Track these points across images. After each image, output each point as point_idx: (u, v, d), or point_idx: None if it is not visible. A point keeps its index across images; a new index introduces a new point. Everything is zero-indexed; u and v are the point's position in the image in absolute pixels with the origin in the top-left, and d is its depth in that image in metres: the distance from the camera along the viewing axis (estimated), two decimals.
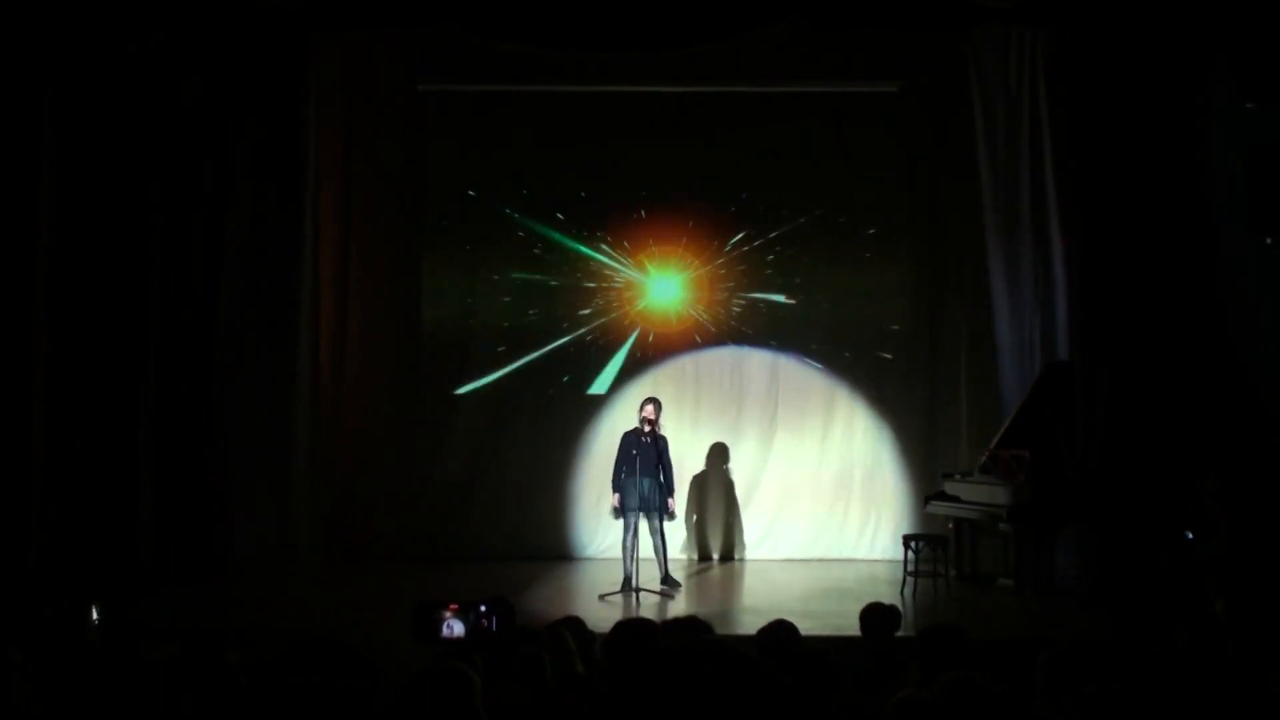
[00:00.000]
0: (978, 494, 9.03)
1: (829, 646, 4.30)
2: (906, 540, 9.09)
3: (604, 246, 10.96)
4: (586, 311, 10.94)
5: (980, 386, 10.44)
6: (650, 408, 8.95)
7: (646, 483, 8.76)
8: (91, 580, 7.56)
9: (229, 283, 9.65)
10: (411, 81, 10.76)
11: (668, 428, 9.37)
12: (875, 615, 5.07)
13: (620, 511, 8.92)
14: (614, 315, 10.95)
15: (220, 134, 9.58)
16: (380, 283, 10.95)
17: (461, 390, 10.89)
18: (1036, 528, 8.65)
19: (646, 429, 8.84)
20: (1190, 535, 7.26)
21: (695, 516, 10.67)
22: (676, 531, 10.23)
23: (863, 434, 10.85)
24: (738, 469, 10.79)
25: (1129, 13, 8.51)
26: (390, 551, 10.22)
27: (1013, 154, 9.96)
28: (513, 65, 10.14)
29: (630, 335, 10.93)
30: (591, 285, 10.97)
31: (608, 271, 10.97)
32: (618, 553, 8.84)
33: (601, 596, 8.55)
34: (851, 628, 5.31)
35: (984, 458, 9.18)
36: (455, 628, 4.22)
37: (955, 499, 9.30)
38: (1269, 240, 7.50)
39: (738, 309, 10.95)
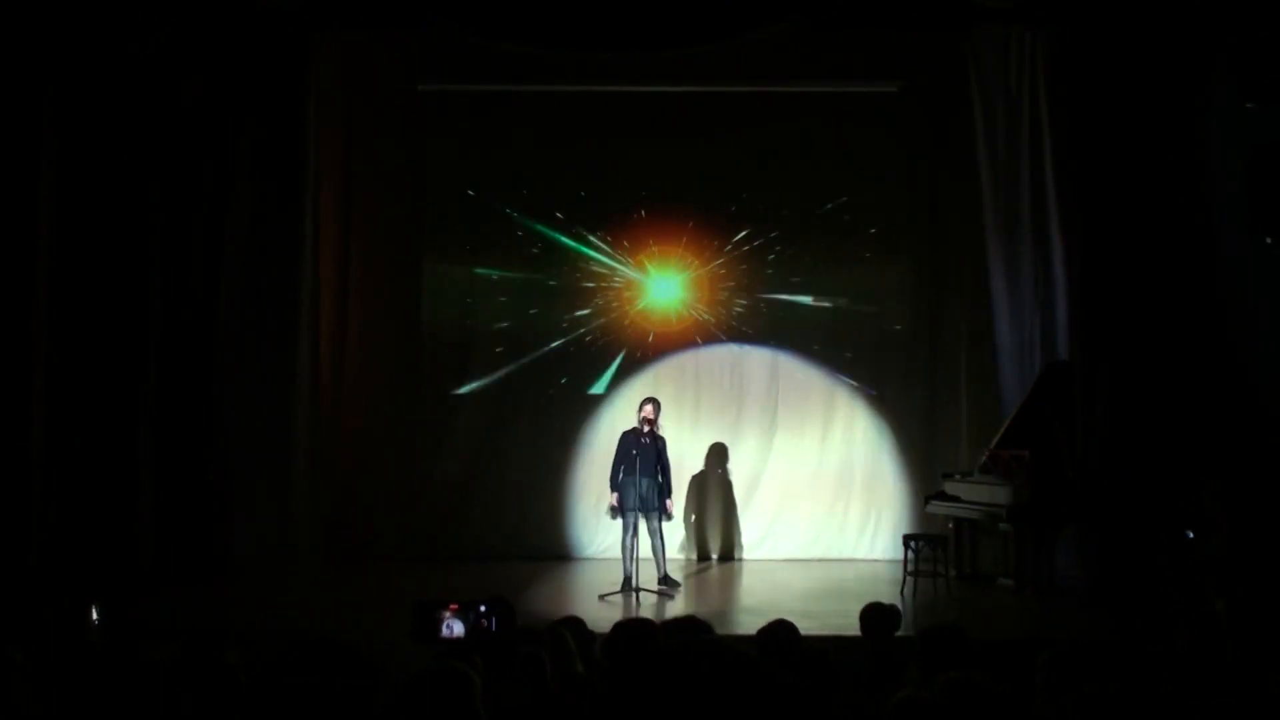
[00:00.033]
0: (978, 494, 9.03)
1: (829, 646, 4.31)
2: (906, 540, 9.09)
3: (604, 246, 10.96)
4: (586, 311, 10.94)
5: (980, 386, 10.43)
6: (649, 408, 8.94)
7: (645, 483, 8.76)
8: (91, 580, 7.56)
9: (229, 283, 9.65)
10: (411, 81, 10.76)
11: (667, 428, 9.37)
12: (875, 615, 5.07)
13: (618, 511, 8.92)
14: (614, 315, 10.95)
15: (220, 134, 9.58)
16: (380, 283, 10.95)
17: (461, 390, 10.89)
18: (1036, 528, 8.65)
19: (646, 429, 8.84)
20: (1190, 535, 7.26)
21: (695, 516, 10.67)
22: (676, 531, 10.24)
23: (863, 434, 10.85)
24: (737, 469, 10.79)
25: (1129, 13, 8.51)
26: (390, 551, 10.22)
27: (1013, 154, 9.96)
28: (513, 65, 10.14)
29: (630, 335, 10.93)
30: (591, 285, 10.97)
31: (608, 271, 10.98)
32: (617, 553, 8.84)
33: (601, 596, 8.55)
34: (851, 628, 5.31)
35: (984, 458, 9.18)
36: (455, 628, 4.22)
37: (955, 499, 9.30)
38: (1269, 240, 7.49)
39: (738, 309, 10.95)
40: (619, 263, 10.97)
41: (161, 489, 9.17)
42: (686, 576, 9.68)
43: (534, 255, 10.98)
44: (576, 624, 4.87)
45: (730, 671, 1.58)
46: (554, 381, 10.90)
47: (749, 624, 6.92)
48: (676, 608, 8.37)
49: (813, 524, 10.70)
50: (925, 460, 10.58)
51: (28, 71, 8.50)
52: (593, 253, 10.97)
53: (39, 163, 8.61)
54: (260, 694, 2.95)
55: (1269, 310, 7.94)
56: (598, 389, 10.89)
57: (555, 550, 10.55)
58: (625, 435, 9.01)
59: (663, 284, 10.97)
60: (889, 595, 7.60)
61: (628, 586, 8.55)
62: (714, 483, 10.73)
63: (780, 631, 4.40)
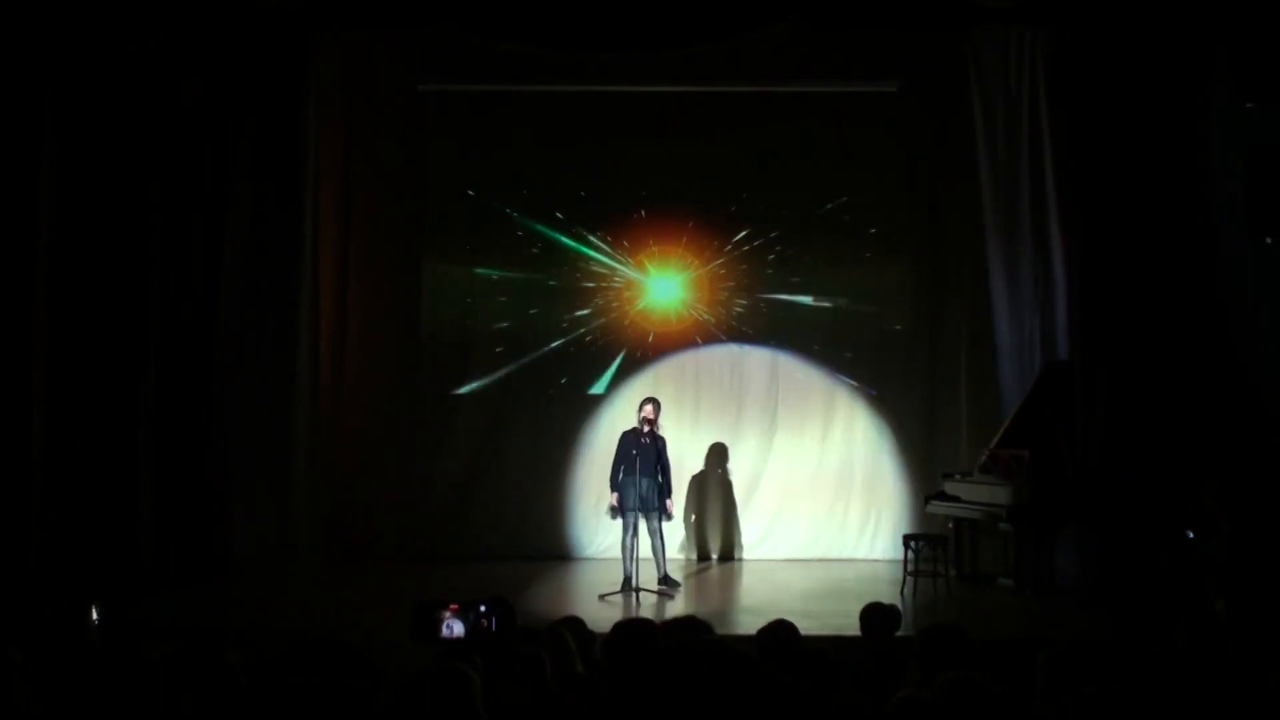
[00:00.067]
0: (978, 494, 9.03)
1: (829, 646, 4.31)
2: (906, 540, 9.09)
3: (604, 246, 10.96)
4: (586, 311, 10.94)
5: (980, 386, 10.43)
6: (649, 408, 8.94)
7: (645, 483, 8.76)
8: (91, 580, 7.55)
9: (229, 283, 9.65)
10: (411, 81, 10.76)
11: (667, 428, 9.37)
12: (875, 615, 5.07)
13: (618, 511, 8.92)
14: (614, 315, 10.95)
15: (220, 134, 9.58)
16: (380, 283, 10.95)
17: (461, 390, 10.89)
18: (1036, 528, 8.65)
19: (646, 429, 8.84)
20: (1190, 535, 7.26)
21: (695, 516, 10.67)
22: (676, 531, 10.24)
23: (863, 434, 10.85)
24: (737, 469, 10.79)
25: (1129, 13, 8.52)
26: (390, 551, 10.22)
27: (1013, 154, 9.96)
28: (513, 65, 10.14)
29: (630, 335, 10.93)
30: (591, 285, 10.97)
31: (607, 271, 10.97)
32: (617, 553, 8.83)
33: (601, 596, 8.55)
34: (851, 628, 5.31)
35: (984, 458, 9.18)
36: (455, 628, 4.21)
37: (955, 499, 9.30)
38: (1269, 240, 7.49)
39: (738, 309, 10.95)
40: (619, 263, 10.97)
41: (161, 489, 9.17)
42: (686, 576, 9.68)
43: (534, 255, 10.98)
44: (576, 624, 4.87)
45: (730, 671, 1.58)
46: (554, 381, 10.90)
47: (749, 624, 6.93)
48: (676, 608, 8.37)
49: (813, 524, 10.70)
50: (925, 460, 10.58)
51: (28, 71, 8.51)
52: (593, 253, 10.97)
53: (39, 163, 8.61)
54: (260, 694, 2.96)
55: (1269, 310, 7.94)
56: (598, 389, 10.89)
57: (555, 550, 10.54)
58: (625, 435, 9.01)
59: (663, 284, 10.97)
60: (889, 595, 7.60)
61: (628, 586, 8.55)
62: (714, 483, 10.73)
63: (780, 631, 4.40)
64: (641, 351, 10.91)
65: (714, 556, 10.66)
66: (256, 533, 9.72)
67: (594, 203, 10.95)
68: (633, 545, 8.71)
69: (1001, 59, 9.98)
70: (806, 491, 10.74)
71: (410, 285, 10.96)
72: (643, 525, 8.84)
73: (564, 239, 10.96)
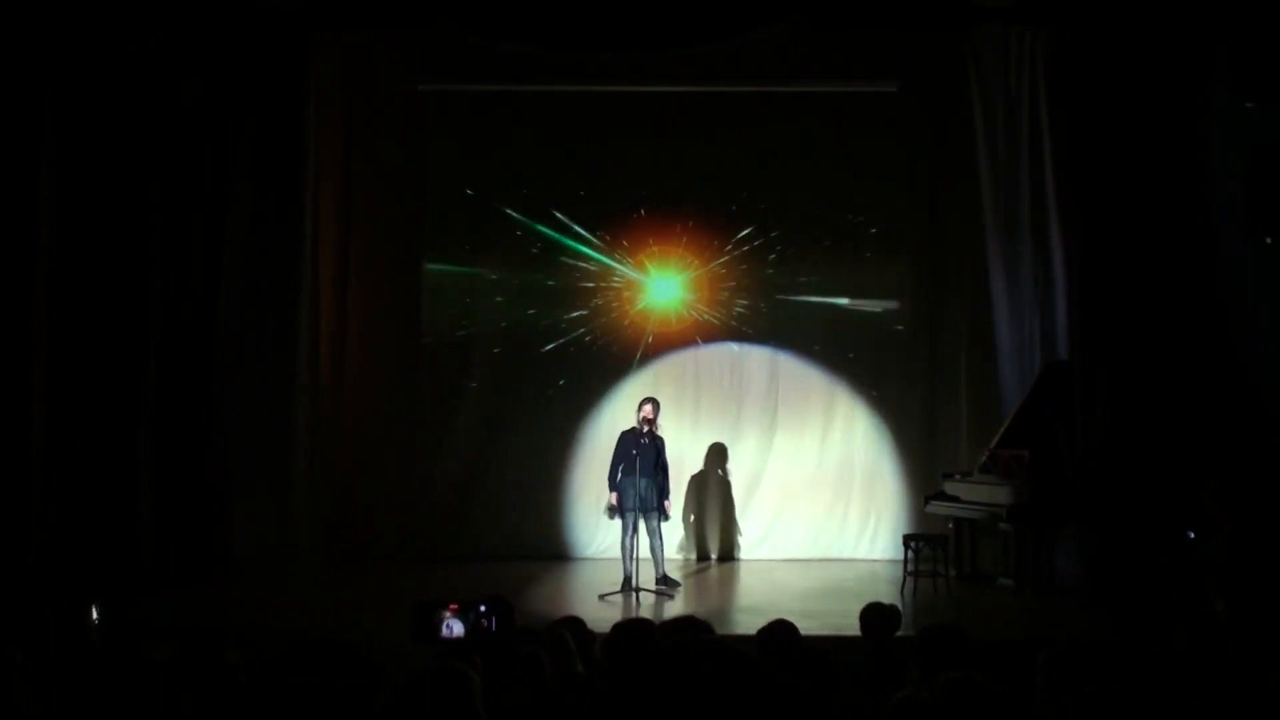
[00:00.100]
0: (978, 494, 9.03)
1: (829, 646, 4.31)
2: (906, 540, 9.09)
3: (604, 246, 10.96)
4: (586, 311, 10.94)
5: (980, 386, 10.43)
6: (649, 407, 8.94)
7: (644, 483, 8.76)
8: (91, 580, 7.55)
9: (229, 283, 9.66)
10: (411, 81, 10.76)
11: (667, 427, 9.36)
12: (875, 615, 5.07)
13: (616, 511, 8.92)
14: (614, 315, 10.94)
15: (220, 134, 9.58)
16: (380, 283, 10.95)
17: (461, 390, 10.88)
18: (1036, 528, 8.65)
19: (645, 429, 8.83)
20: (1190, 535, 7.26)
21: (694, 516, 10.67)
22: (675, 531, 10.24)
23: (863, 434, 10.84)
24: (737, 469, 10.78)
25: (1129, 13, 8.52)
26: (390, 551, 10.21)
27: (1013, 154, 9.96)
28: (513, 65, 10.14)
29: (630, 335, 10.92)
30: (591, 285, 10.97)
31: (607, 271, 10.97)
32: (617, 553, 8.83)
33: (601, 596, 8.55)
34: (851, 628, 5.31)
35: (984, 457, 9.18)
36: (455, 628, 4.21)
37: (955, 499, 9.30)
38: (1269, 240, 7.50)
39: (738, 309, 10.95)
40: (619, 263, 10.97)
41: (161, 489, 9.18)
42: (686, 576, 9.68)
43: (534, 255, 10.98)
44: (576, 624, 4.87)
45: (730, 671, 1.58)
46: (554, 381, 10.90)
47: (749, 624, 6.92)
48: (676, 608, 8.37)
49: (812, 524, 10.69)
50: (925, 460, 10.57)
51: (28, 71, 8.51)
52: (593, 253, 10.97)
53: (39, 163, 8.61)
54: (260, 694, 2.95)
55: (1269, 310, 7.95)
56: (597, 389, 10.87)
57: (555, 550, 10.54)
58: (624, 435, 9.01)
59: (662, 284, 10.97)
60: (889, 595, 7.60)
61: (627, 586, 8.54)
62: (714, 483, 10.72)
63: (780, 631, 4.40)
64: (641, 351, 10.90)
65: (714, 556, 10.66)
66: (256, 533, 9.72)
67: (593, 202, 10.94)
68: (632, 545, 8.71)
69: (1001, 59, 9.99)
70: (806, 491, 10.74)
71: (410, 285, 10.96)
72: (642, 525, 8.84)
73: (564, 239, 10.96)
